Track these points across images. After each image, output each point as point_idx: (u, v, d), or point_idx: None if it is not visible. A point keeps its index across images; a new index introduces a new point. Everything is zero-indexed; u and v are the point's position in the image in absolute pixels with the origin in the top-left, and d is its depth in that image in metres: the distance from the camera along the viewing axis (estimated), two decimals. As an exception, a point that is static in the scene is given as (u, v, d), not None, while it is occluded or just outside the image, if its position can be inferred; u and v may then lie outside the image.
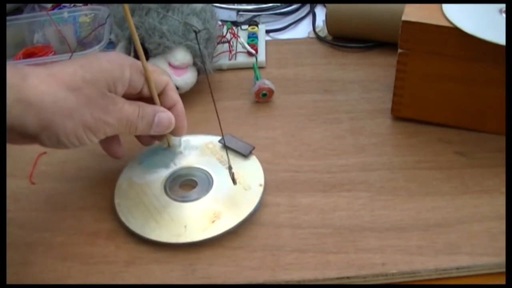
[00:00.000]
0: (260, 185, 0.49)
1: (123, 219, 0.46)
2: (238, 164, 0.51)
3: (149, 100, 0.47)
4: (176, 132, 0.49)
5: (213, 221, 0.46)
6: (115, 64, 0.43)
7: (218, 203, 0.47)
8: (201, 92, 0.62)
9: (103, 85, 0.42)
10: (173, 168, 0.51)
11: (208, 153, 0.52)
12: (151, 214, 0.46)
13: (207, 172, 0.50)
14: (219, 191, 0.48)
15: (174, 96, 0.48)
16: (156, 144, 0.53)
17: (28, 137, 0.41)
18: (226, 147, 0.51)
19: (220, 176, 0.50)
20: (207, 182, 0.49)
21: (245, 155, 0.52)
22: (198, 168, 0.51)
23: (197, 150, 0.53)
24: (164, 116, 0.46)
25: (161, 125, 0.46)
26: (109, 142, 0.48)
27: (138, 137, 0.51)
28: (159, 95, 0.47)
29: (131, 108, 0.44)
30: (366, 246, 0.44)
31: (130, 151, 0.53)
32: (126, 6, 0.43)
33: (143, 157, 0.52)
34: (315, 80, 0.64)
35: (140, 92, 0.46)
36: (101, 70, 0.42)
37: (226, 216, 0.46)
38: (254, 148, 0.52)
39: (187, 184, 0.50)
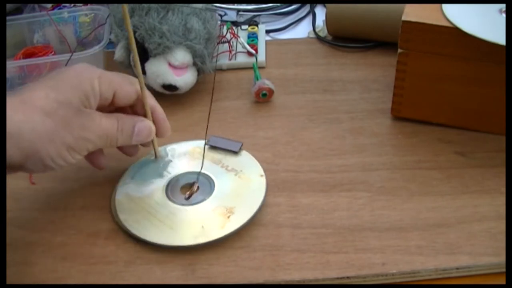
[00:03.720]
0: (261, 175, 0.50)
1: (135, 233, 0.46)
2: (232, 161, 0.51)
3: (123, 109, 0.47)
4: (160, 135, 0.49)
5: (229, 216, 0.46)
6: (84, 79, 0.43)
7: (227, 200, 0.47)
8: (201, 92, 0.62)
9: (77, 103, 0.42)
10: (168, 176, 0.51)
11: (199, 156, 0.52)
12: (163, 223, 0.46)
13: (204, 173, 0.50)
14: (223, 189, 0.49)
15: (150, 103, 0.48)
16: (143, 157, 0.53)
17: (13, 167, 0.40)
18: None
19: (218, 175, 0.50)
20: (208, 183, 0.49)
21: (236, 152, 0.52)
22: (194, 171, 0.51)
23: (186, 155, 0.53)
24: (143, 125, 0.46)
25: (141, 135, 0.46)
26: (92, 154, 0.48)
27: (121, 148, 0.50)
28: (134, 105, 0.47)
29: (109, 122, 0.44)
30: (366, 246, 0.44)
31: (119, 162, 0.53)
32: (125, 6, 0.43)
33: (133, 172, 0.51)
34: (315, 80, 0.64)
35: (111, 103, 0.46)
36: (71, 88, 0.42)
37: (240, 209, 0.46)
38: (242, 144, 0.53)
39: (187, 188, 0.50)
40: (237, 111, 0.60)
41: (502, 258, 0.42)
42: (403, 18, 0.51)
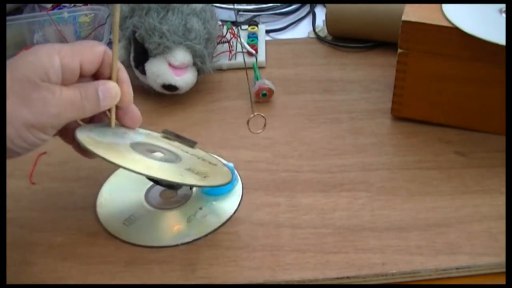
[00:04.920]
0: (224, 164, 0.49)
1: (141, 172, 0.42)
2: (191, 150, 0.49)
3: (93, 78, 0.44)
4: (122, 99, 0.44)
5: (205, 177, 0.45)
6: (41, 55, 0.40)
7: (197, 166, 0.46)
8: (201, 92, 0.62)
9: (34, 78, 0.39)
10: (129, 140, 0.46)
11: (155, 136, 0.50)
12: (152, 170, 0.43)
13: (162, 146, 0.48)
14: (187, 160, 0.47)
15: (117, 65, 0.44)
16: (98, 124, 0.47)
17: None
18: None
19: (176, 149, 0.48)
20: (171, 152, 0.47)
21: (192, 144, 0.50)
22: (151, 143, 0.48)
23: (142, 134, 0.49)
24: (106, 88, 0.43)
25: (108, 97, 0.43)
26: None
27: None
28: (99, 67, 0.44)
29: (71, 92, 0.40)
30: (366, 246, 0.44)
31: None
32: (118, 7, 0.43)
33: (89, 130, 0.45)
34: (315, 80, 0.64)
35: (81, 76, 0.42)
36: (28, 64, 0.39)
37: (212, 175, 0.45)
38: (196, 142, 0.50)
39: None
40: (237, 111, 0.60)
41: (502, 258, 0.42)
42: (403, 18, 0.51)
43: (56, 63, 0.40)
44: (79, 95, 0.41)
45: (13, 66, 0.39)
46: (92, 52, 0.42)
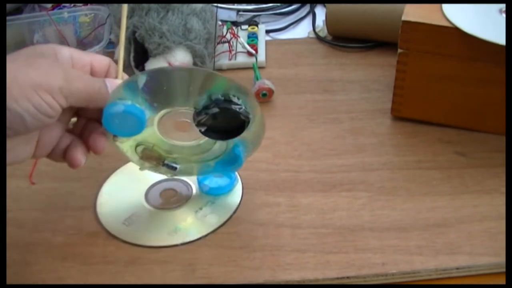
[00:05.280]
0: None
1: None
2: None
3: None
4: None
5: None
6: (53, 44, 0.40)
7: None
8: (201, 92, 0.62)
9: (41, 50, 0.39)
10: None
11: None
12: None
13: None
14: None
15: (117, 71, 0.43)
16: None
17: None
18: None
19: None
20: None
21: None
22: None
23: None
24: (113, 81, 0.41)
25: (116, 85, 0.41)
26: (73, 148, 0.43)
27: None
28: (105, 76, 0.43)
29: (78, 71, 0.40)
30: (366, 246, 0.44)
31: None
32: (125, 6, 0.43)
33: None
34: (315, 80, 0.64)
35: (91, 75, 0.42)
36: (34, 46, 0.40)
37: None
38: None
39: None
40: (237, 111, 0.60)
41: (502, 258, 0.42)
42: (403, 18, 0.51)
43: (65, 52, 0.40)
44: (86, 75, 0.40)
45: (21, 50, 0.39)
46: (100, 56, 0.42)
